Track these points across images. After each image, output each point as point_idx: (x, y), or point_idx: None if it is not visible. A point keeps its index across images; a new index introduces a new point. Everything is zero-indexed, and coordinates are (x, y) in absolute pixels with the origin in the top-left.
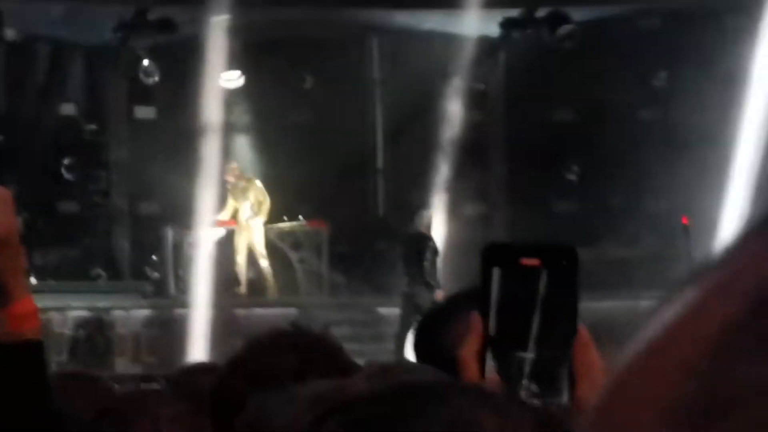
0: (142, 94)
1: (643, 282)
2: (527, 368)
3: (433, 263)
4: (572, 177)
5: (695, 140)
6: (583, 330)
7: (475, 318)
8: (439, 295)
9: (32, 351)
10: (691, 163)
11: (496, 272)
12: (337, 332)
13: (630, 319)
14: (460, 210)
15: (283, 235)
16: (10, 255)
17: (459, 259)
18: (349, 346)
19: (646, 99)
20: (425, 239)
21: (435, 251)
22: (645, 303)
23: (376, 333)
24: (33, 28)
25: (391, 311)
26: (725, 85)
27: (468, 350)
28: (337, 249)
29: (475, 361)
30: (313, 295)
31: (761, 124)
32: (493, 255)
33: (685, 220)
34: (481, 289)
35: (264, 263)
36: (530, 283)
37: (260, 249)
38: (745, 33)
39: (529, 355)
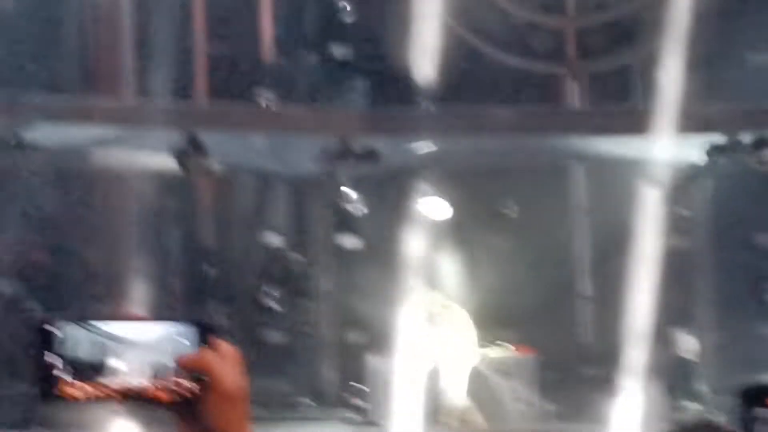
0: (348, 225)
1: None
2: None
3: None
4: None
5: None
6: None
7: None
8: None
9: None
10: None
11: (756, 413)
12: None
13: None
14: (666, 336)
15: (491, 363)
16: (238, 410)
17: (665, 385)
18: None
19: None
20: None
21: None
22: None
23: None
24: (238, 159)
25: None
26: None
27: None
28: (546, 376)
29: None
30: (524, 424)
31: None
32: (749, 396)
33: None
34: (742, 427)
35: (473, 392)
36: None
37: (468, 378)
38: None
39: None
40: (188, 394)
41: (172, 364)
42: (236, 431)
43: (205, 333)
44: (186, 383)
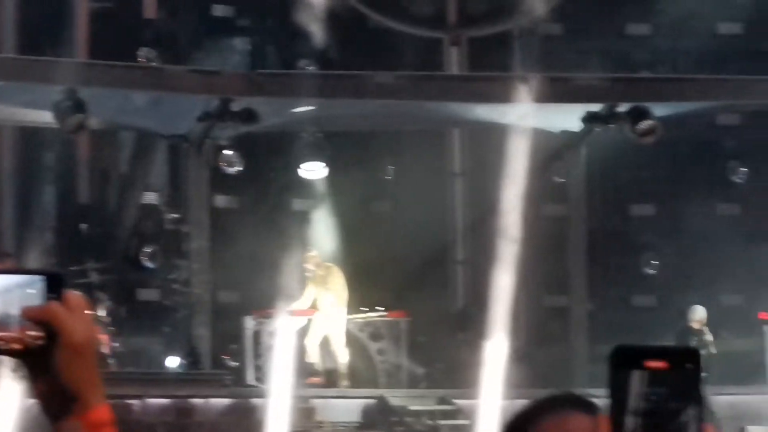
0: (224, 184)
1: (719, 377)
2: None
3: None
4: (651, 271)
5: None
6: (710, 429)
7: (603, 421)
8: None
9: None
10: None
11: (623, 375)
12: (414, 423)
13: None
14: (539, 302)
15: (362, 325)
16: (87, 363)
17: (539, 351)
18: None
19: (725, 194)
20: (692, 334)
21: (702, 346)
22: (719, 397)
23: (455, 424)
24: (117, 117)
25: (468, 403)
26: None
27: None
28: (417, 340)
29: None
30: (391, 386)
31: None
32: (620, 358)
33: (763, 315)
34: (610, 392)
35: (343, 353)
36: (656, 385)
37: (339, 339)
38: None
39: None
40: (36, 346)
41: (19, 315)
42: (85, 384)
43: (55, 284)
44: (33, 335)
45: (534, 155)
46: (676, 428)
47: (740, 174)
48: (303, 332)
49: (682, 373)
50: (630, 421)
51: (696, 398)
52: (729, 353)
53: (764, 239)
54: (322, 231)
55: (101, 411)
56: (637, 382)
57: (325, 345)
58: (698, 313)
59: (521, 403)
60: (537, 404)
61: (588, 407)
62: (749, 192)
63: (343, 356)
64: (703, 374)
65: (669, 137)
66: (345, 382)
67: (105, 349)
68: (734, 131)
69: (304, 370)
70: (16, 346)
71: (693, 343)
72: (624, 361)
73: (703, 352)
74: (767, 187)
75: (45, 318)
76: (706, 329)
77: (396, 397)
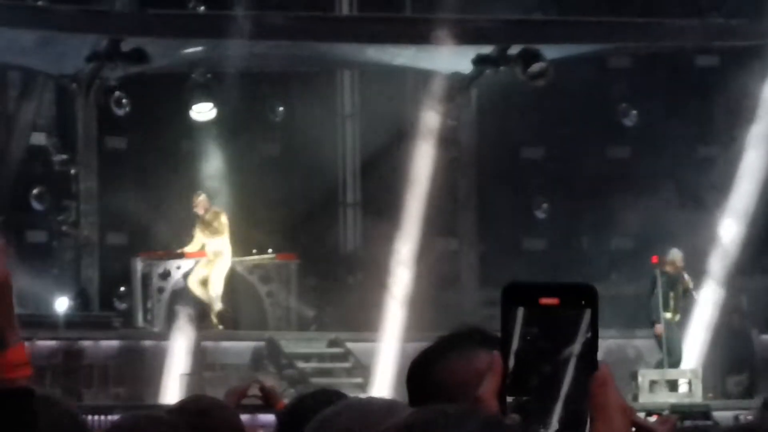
0: (113, 125)
1: (608, 320)
2: (547, 406)
3: (666, 297)
4: (541, 215)
5: (662, 178)
6: (603, 368)
7: (496, 358)
8: (658, 329)
9: (23, 399)
10: (658, 201)
11: (516, 312)
12: (304, 366)
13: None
14: (431, 245)
15: (252, 268)
16: (3, 302)
17: (430, 294)
18: (318, 380)
19: (616, 137)
20: (669, 279)
21: (671, 286)
22: (610, 341)
23: (345, 367)
24: (4, 56)
25: (358, 346)
26: (694, 124)
27: (488, 389)
28: (307, 282)
29: (494, 400)
30: (281, 329)
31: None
32: (513, 294)
33: (654, 259)
34: (502, 328)
35: (224, 297)
36: (550, 322)
37: (227, 281)
38: (715, 73)
39: (552, 395)
40: None
41: None
42: (2, 323)
43: None
44: None
45: (425, 97)
46: (556, 365)
47: (631, 117)
48: (191, 275)
49: (577, 310)
50: (522, 358)
51: (590, 336)
52: (620, 297)
53: (655, 182)
54: (211, 173)
55: (18, 350)
56: (523, 318)
57: (211, 288)
58: (673, 256)
59: (412, 346)
60: (443, 341)
61: (494, 344)
62: (640, 135)
63: (224, 300)
64: (597, 312)
65: (560, 80)
66: (225, 325)
67: None
68: (625, 74)
69: (194, 313)
70: None
71: (666, 289)
72: (515, 297)
73: (683, 298)
74: (658, 131)
75: None
76: (684, 273)
77: (286, 340)
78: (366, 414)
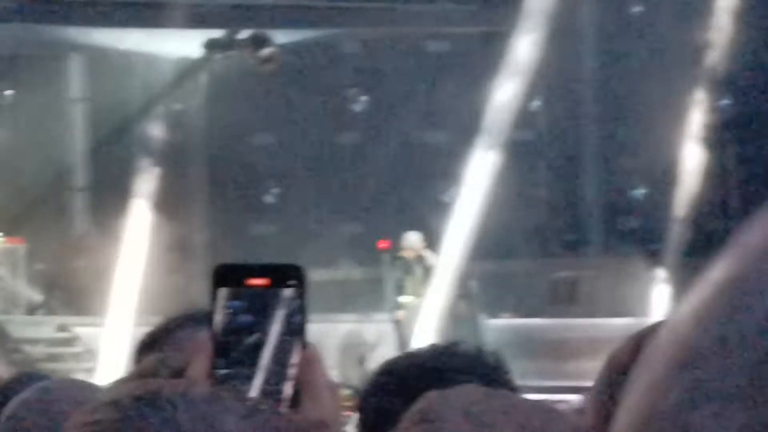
0: None
1: (338, 304)
2: (253, 382)
3: (401, 283)
4: (271, 200)
5: (393, 163)
6: (311, 347)
7: (204, 338)
8: (400, 315)
9: None
10: (387, 186)
11: (222, 293)
12: (32, 351)
13: (322, 341)
14: (160, 230)
15: None
16: None
17: (159, 278)
18: (44, 365)
19: (345, 122)
20: (406, 264)
21: (407, 271)
22: (342, 325)
23: (74, 352)
24: None
25: (87, 330)
26: (426, 108)
27: (196, 369)
28: (36, 267)
29: (204, 377)
30: (8, 313)
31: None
32: (221, 276)
33: (383, 244)
34: (210, 310)
35: None
36: (257, 303)
37: None
38: (447, 58)
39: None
40: None
41: None
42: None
43: None
44: None
45: (154, 82)
46: (260, 341)
47: (360, 102)
48: None
49: (285, 290)
50: (228, 339)
51: (298, 316)
52: (350, 281)
53: (384, 167)
54: None
55: None
56: (229, 296)
57: None
58: (410, 241)
59: (141, 330)
60: (172, 320)
61: None
62: (368, 120)
63: None
64: (305, 292)
65: (290, 65)
66: None
67: None
68: (354, 59)
69: None
70: None
71: (400, 274)
72: (223, 278)
73: (397, 278)
74: (386, 116)
75: None
76: (427, 254)
77: (13, 324)
78: (60, 398)
